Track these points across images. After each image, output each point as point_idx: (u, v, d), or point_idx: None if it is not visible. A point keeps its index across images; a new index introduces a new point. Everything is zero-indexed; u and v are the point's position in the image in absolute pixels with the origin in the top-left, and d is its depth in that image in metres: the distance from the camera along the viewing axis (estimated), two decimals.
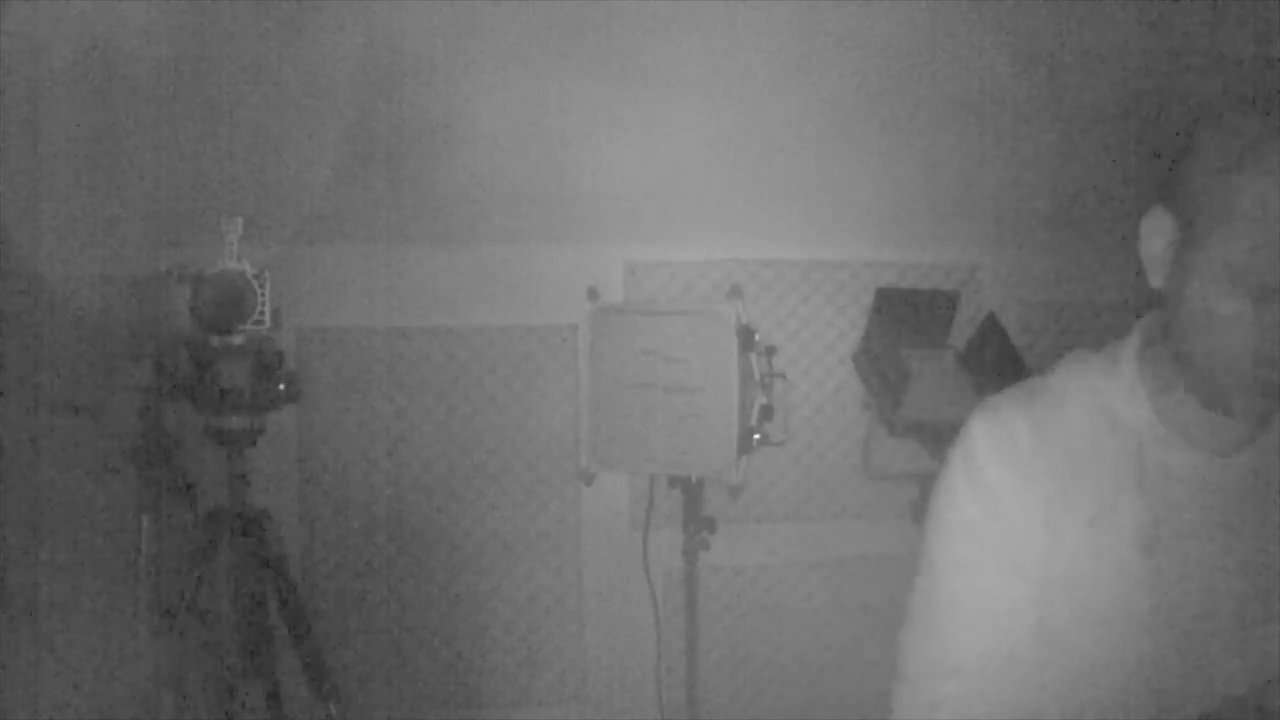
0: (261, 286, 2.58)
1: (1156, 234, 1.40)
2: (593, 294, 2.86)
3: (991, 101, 3.43)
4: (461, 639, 3.42)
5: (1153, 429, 1.44)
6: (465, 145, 3.30)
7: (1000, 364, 3.23)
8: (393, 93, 3.27)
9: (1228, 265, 1.32)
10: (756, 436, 2.76)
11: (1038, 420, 1.47)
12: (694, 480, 2.84)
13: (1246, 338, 1.33)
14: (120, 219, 3.16)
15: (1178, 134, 1.44)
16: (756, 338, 2.76)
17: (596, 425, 2.82)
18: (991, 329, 3.21)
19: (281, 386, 2.62)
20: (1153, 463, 1.43)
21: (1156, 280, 1.40)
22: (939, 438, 3.20)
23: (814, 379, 3.53)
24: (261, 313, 2.58)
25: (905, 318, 3.09)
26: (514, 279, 3.38)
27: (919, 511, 2.71)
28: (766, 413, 2.77)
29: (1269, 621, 1.38)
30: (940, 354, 2.98)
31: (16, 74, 3.06)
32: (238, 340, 2.59)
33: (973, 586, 1.48)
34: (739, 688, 3.53)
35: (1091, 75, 3.42)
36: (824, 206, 3.46)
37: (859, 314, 3.35)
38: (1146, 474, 1.43)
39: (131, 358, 2.65)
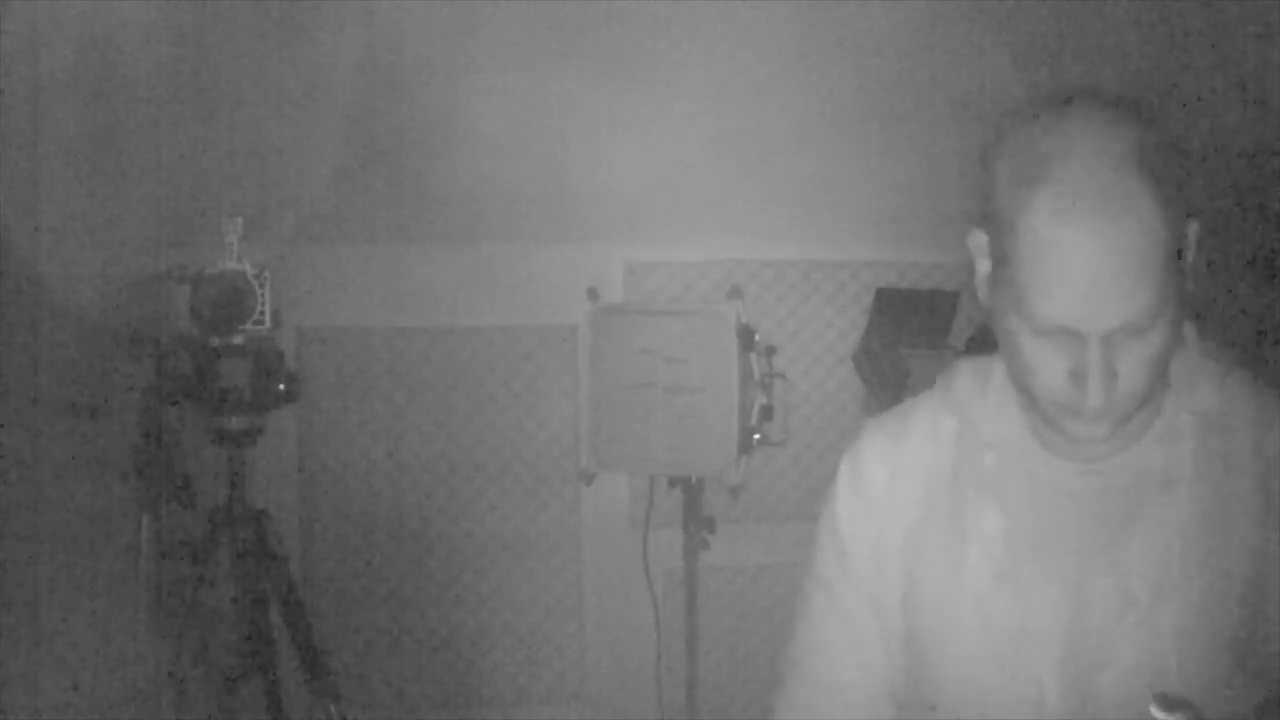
0: (261, 286, 2.58)
1: (979, 255, 1.34)
2: (593, 294, 2.86)
3: (991, 101, 3.42)
4: (461, 639, 3.42)
5: (1021, 441, 1.40)
6: (465, 145, 3.30)
7: None
8: (393, 93, 3.27)
9: (1017, 300, 1.26)
10: (756, 436, 2.76)
11: (903, 450, 1.46)
12: (694, 480, 2.84)
13: (1039, 371, 1.28)
14: (120, 219, 3.16)
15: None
16: (756, 338, 2.76)
17: (596, 425, 2.82)
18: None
19: (281, 386, 2.62)
20: (1019, 478, 1.39)
21: (983, 299, 1.35)
22: None
23: (814, 379, 3.53)
24: (261, 313, 2.58)
25: (905, 318, 3.09)
26: (514, 279, 3.38)
27: None
28: (766, 413, 2.77)
29: (1154, 625, 1.30)
30: (940, 354, 2.98)
31: (16, 74, 3.06)
32: (238, 340, 2.58)
33: (831, 664, 1.49)
34: (739, 688, 3.53)
35: (1091, 75, 3.42)
36: (824, 206, 3.46)
37: (859, 314, 3.35)
38: (1009, 492, 1.38)
39: (131, 358, 2.64)
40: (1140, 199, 1.21)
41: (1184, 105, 3.43)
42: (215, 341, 2.58)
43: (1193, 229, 1.29)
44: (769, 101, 3.42)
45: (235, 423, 2.60)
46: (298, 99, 3.23)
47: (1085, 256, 1.20)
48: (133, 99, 3.15)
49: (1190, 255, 1.30)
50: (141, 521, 2.53)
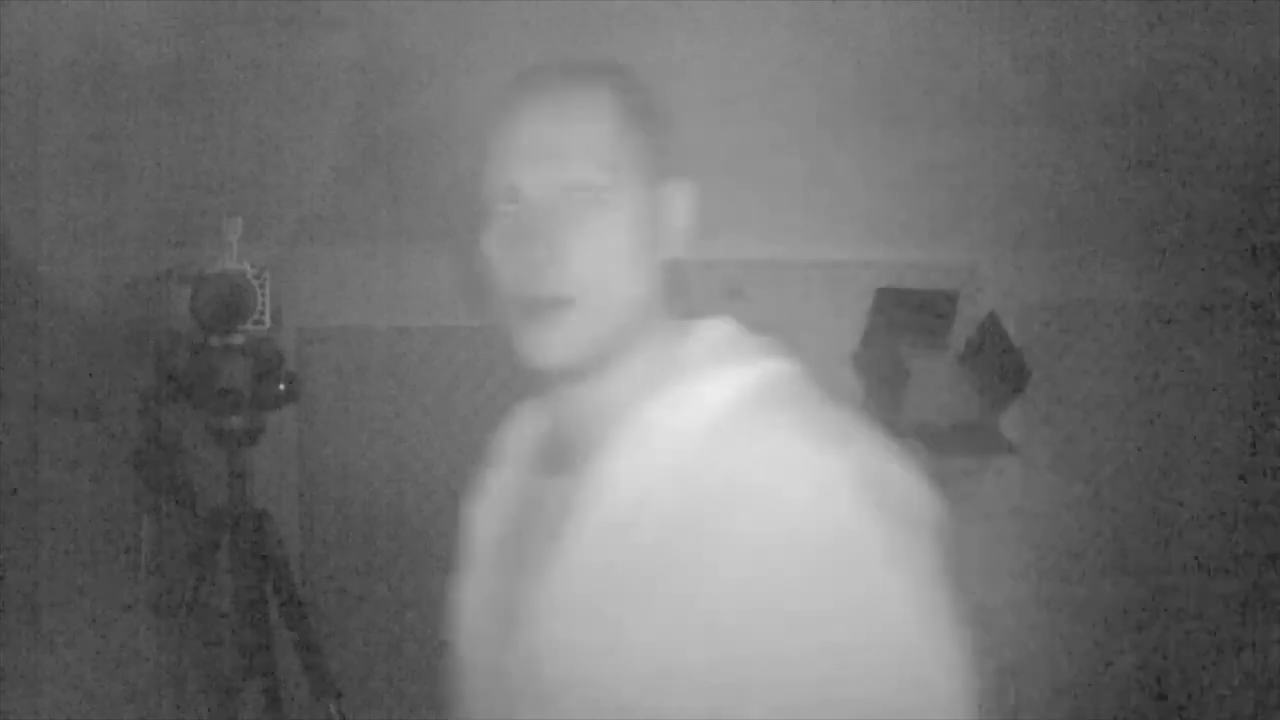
0: (261, 286, 2.58)
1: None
2: None
3: (991, 101, 3.42)
4: None
5: (524, 461, 1.46)
6: (465, 145, 3.30)
7: (1000, 364, 3.23)
8: (393, 93, 3.27)
9: (481, 192, 1.37)
10: None
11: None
12: None
13: (497, 255, 1.41)
14: (120, 219, 3.16)
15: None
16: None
17: None
18: (991, 329, 3.22)
19: (281, 386, 2.62)
20: (510, 494, 1.45)
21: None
22: (939, 438, 3.21)
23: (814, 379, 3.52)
24: (261, 313, 2.58)
25: (905, 318, 3.10)
26: None
27: None
28: None
29: (571, 643, 1.23)
30: (940, 354, 2.98)
31: (16, 74, 3.06)
32: (238, 340, 2.58)
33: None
34: None
35: (1091, 75, 3.42)
36: (824, 206, 3.46)
37: (859, 314, 3.35)
38: (498, 508, 1.45)
39: (131, 358, 2.64)
40: (585, 86, 1.33)
41: (1184, 105, 3.43)
42: (215, 341, 2.58)
43: (674, 187, 1.36)
44: (769, 101, 3.42)
45: (235, 423, 2.60)
46: (298, 99, 3.23)
47: (528, 116, 1.34)
48: (133, 99, 3.15)
49: (675, 217, 1.36)
50: (141, 521, 2.53)
